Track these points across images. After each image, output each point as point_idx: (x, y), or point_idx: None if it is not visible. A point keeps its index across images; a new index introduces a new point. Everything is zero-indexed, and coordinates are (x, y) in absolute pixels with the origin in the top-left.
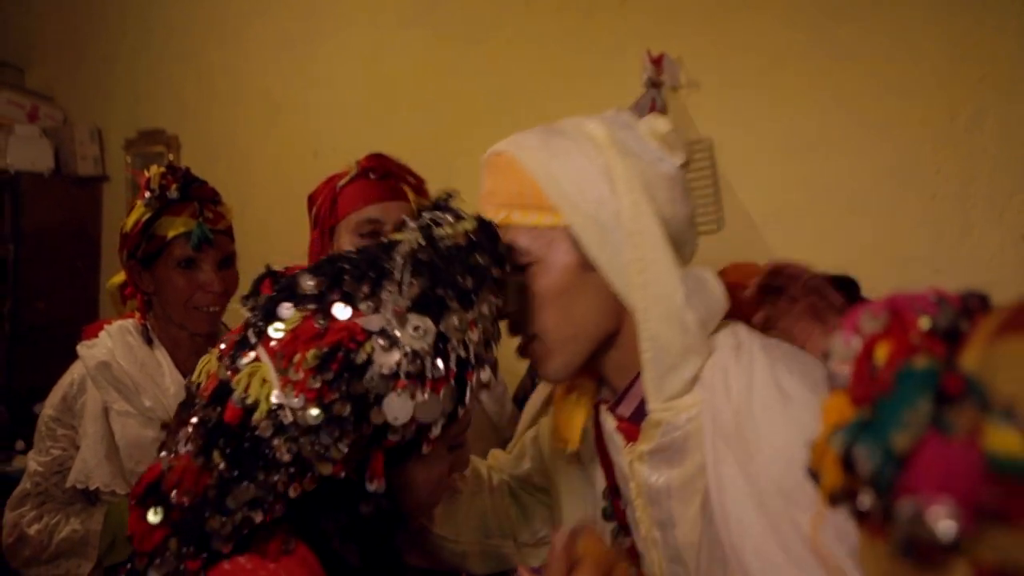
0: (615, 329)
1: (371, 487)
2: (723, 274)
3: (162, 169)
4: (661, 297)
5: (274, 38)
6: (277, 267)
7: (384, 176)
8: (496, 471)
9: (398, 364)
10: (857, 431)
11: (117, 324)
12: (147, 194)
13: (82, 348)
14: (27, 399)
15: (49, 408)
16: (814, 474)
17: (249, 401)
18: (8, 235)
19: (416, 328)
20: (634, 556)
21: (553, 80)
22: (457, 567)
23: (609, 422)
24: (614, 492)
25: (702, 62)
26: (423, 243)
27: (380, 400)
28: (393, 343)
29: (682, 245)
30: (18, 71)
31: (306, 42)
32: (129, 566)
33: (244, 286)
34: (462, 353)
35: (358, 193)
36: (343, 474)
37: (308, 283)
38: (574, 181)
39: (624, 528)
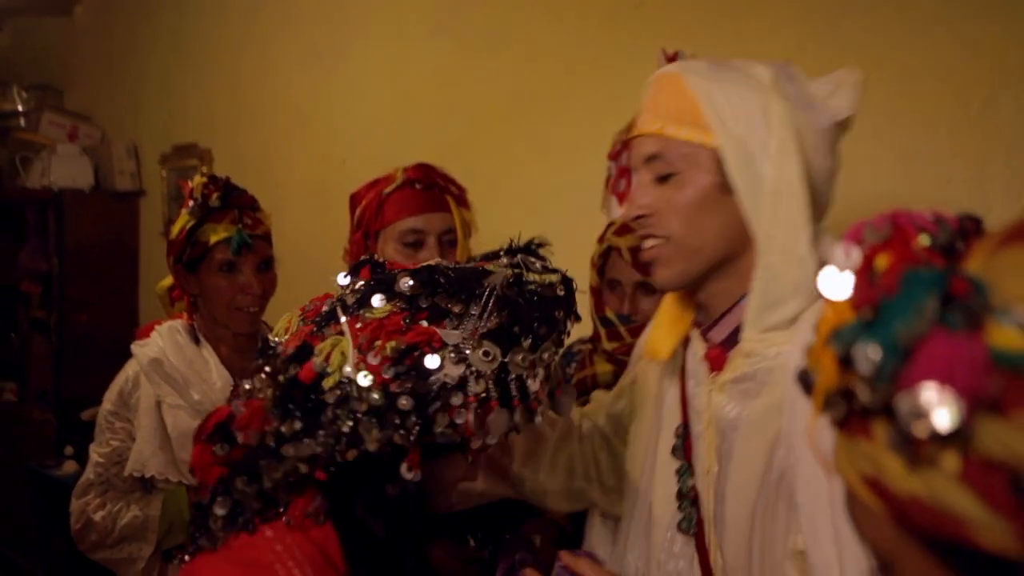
0: (735, 255)
1: (407, 475)
2: None
3: (204, 179)
4: (788, 231)
5: (300, 51)
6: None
7: (428, 187)
8: (589, 417)
9: (462, 378)
10: (860, 329)
11: (167, 324)
12: (191, 203)
13: (135, 347)
14: (74, 407)
15: (107, 403)
16: (805, 378)
17: (326, 368)
18: (53, 250)
19: (486, 353)
20: (695, 497)
21: (573, 84)
22: (535, 503)
23: (699, 349)
24: (686, 430)
25: (717, 58)
26: (511, 281)
27: (447, 405)
28: (462, 359)
29: (818, 196)
30: (58, 93)
31: (332, 54)
32: (195, 501)
33: (281, 288)
34: (515, 387)
35: (403, 203)
36: (379, 454)
37: (406, 283)
38: (733, 106)
39: (690, 467)
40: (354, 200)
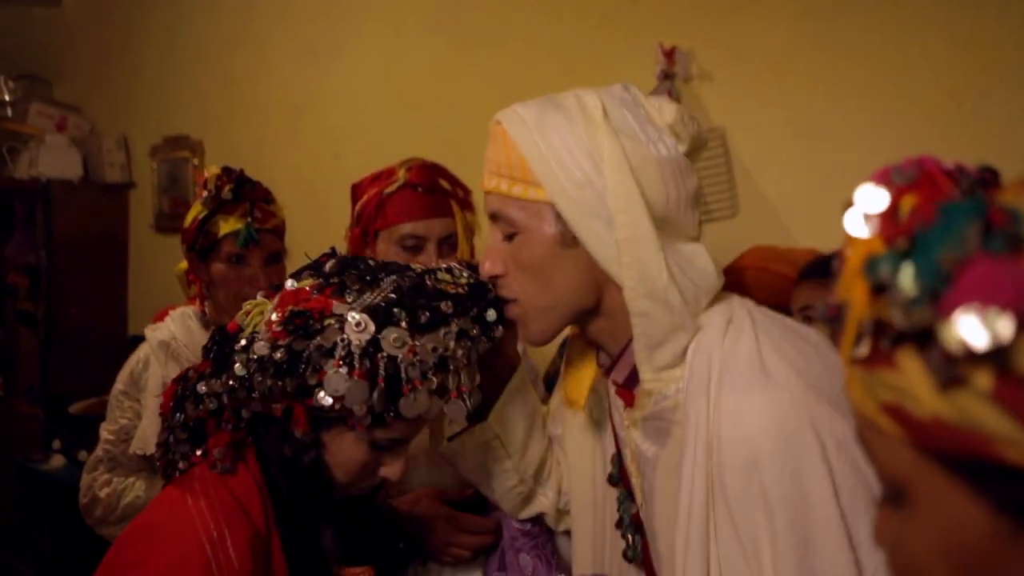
0: (595, 301)
1: (296, 432)
2: (742, 257)
3: (218, 171)
4: (645, 277)
5: (295, 45)
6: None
7: (430, 191)
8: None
9: (334, 345)
10: (897, 257)
11: (180, 310)
12: (204, 193)
13: (148, 330)
14: (62, 401)
15: (119, 383)
16: (835, 314)
17: (245, 322)
18: (41, 242)
19: (359, 324)
20: (639, 524)
21: (571, 82)
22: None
23: (610, 386)
24: (620, 458)
25: (713, 54)
26: (417, 275)
27: (317, 366)
28: (341, 328)
29: (673, 225)
30: (47, 84)
31: (327, 49)
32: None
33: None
34: (389, 367)
35: (403, 206)
36: (273, 415)
37: (328, 265)
38: (559, 159)
39: (630, 495)
40: (355, 192)
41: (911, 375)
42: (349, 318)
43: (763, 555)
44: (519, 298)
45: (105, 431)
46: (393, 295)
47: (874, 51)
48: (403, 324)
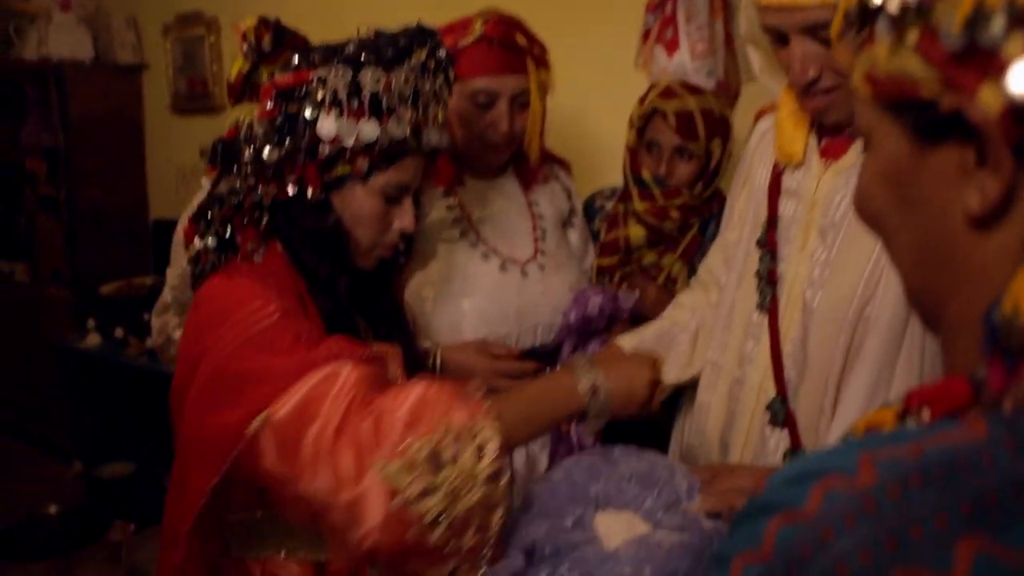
0: None
1: (309, 195)
2: None
3: (254, 22)
4: None
5: None
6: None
7: (506, 47)
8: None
9: (323, 97)
10: None
11: None
12: (244, 47)
13: (204, 179)
14: (90, 282)
15: (180, 226)
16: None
17: (241, 120)
18: (57, 124)
19: (336, 73)
20: (772, 281)
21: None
22: None
23: (812, 142)
24: (771, 221)
25: None
26: (370, 33)
27: (314, 122)
28: (324, 83)
29: None
30: None
31: None
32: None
33: None
34: (372, 102)
35: (478, 60)
36: (290, 192)
37: (317, 51)
38: None
39: (772, 254)
40: None
41: (877, 46)
42: (328, 74)
43: None
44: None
45: (170, 275)
46: (355, 46)
47: None
48: (374, 63)
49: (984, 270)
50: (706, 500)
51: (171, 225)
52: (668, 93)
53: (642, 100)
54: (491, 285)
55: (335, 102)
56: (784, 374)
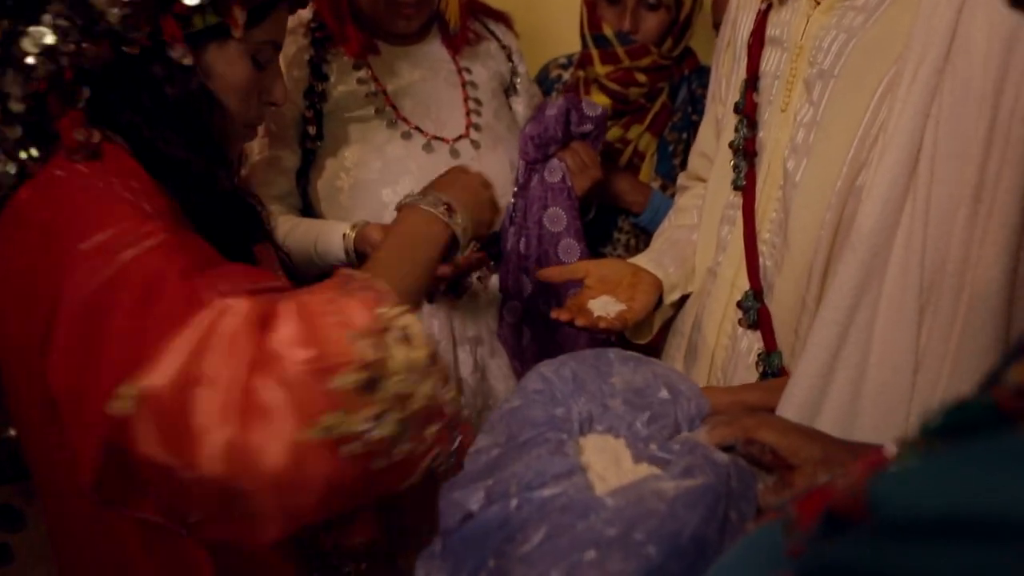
0: None
1: (174, 54)
2: None
3: None
4: None
5: None
6: None
7: None
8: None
9: None
10: None
11: None
12: None
13: None
14: None
15: None
16: None
17: None
18: None
19: None
20: (751, 151)
21: None
22: None
23: None
24: (752, 84)
25: None
26: None
27: None
28: None
29: None
30: None
31: None
32: None
33: None
34: None
35: None
36: (133, 56)
37: None
38: None
39: (750, 121)
40: None
41: None
42: None
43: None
44: None
45: None
46: None
47: None
48: None
49: None
50: (715, 430)
51: None
52: None
53: None
54: (415, 169)
55: None
56: (759, 264)
